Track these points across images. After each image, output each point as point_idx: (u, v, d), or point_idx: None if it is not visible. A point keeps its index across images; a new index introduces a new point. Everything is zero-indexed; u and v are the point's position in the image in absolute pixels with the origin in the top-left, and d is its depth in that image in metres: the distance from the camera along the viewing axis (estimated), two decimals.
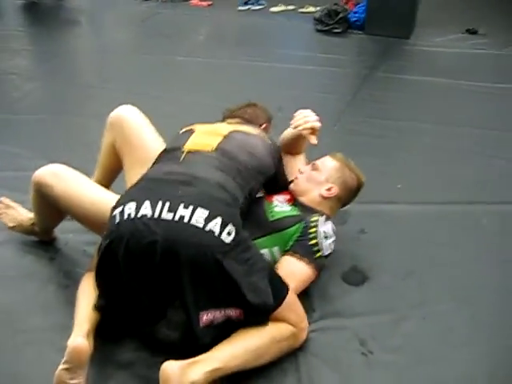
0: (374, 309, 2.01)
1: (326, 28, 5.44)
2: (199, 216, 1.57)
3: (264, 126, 2.32)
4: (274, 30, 5.71)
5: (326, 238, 1.96)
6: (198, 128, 2.05)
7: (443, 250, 2.31)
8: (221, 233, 1.57)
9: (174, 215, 1.57)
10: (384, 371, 1.76)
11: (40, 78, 4.40)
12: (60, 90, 4.07)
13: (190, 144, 1.92)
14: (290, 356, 1.77)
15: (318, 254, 1.93)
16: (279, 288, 1.72)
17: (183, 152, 1.87)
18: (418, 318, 1.97)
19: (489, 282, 2.15)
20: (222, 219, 1.59)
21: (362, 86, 4.11)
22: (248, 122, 2.24)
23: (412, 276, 2.16)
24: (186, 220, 1.56)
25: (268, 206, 2.03)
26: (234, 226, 1.61)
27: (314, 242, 1.93)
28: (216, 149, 1.88)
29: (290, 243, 1.93)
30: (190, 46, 5.08)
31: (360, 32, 5.42)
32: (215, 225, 1.57)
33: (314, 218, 1.97)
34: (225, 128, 2.05)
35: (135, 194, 1.70)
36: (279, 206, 2.05)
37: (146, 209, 1.59)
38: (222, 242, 1.57)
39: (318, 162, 2.20)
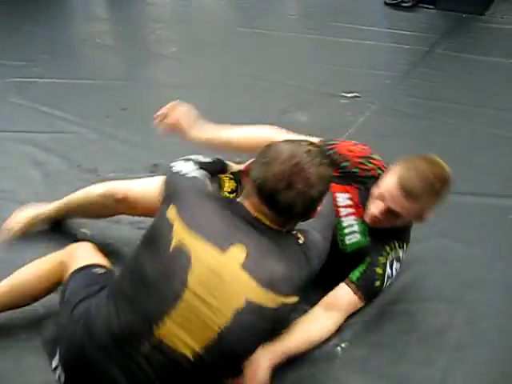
0: None
1: (395, 1, 5.24)
2: None
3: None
4: (343, 3, 5.58)
5: (389, 277, 1.82)
6: (196, 260, 1.31)
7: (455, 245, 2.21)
8: None
9: None
10: None
11: (116, 45, 4.55)
12: (136, 58, 4.17)
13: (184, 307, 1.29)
14: None
15: (377, 285, 1.80)
16: None
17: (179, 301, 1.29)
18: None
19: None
20: None
21: (419, 63, 3.95)
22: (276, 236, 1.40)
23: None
24: None
25: (338, 227, 1.82)
26: None
27: (378, 283, 1.78)
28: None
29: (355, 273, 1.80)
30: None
31: (431, 7, 5.19)
32: None
33: (382, 261, 1.79)
34: (236, 281, 1.31)
35: None
36: (348, 228, 1.83)
37: None
38: None
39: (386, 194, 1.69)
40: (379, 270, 1.77)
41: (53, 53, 4.05)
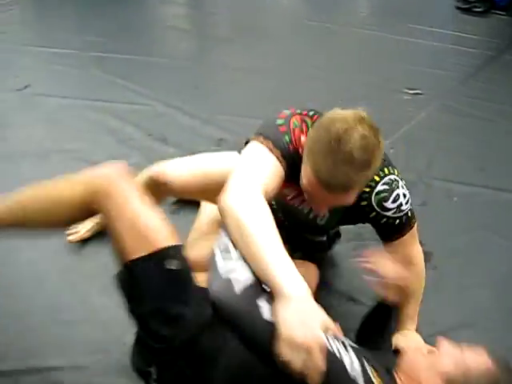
0: None
1: (467, 6, 5.24)
2: None
3: None
4: (415, 4, 5.60)
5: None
6: None
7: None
8: None
9: None
10: None
11: (189, 29, 4.78)
12: (207, 42, 4.41)
13: None
14: None
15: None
16: None
17: None
18: None
19: None
20: None
21: (483, 67, 3.97)
22: None
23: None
24: None
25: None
26: None
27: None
28: None
29: None
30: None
31: (503, 13, 5.15)
32: None
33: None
34: None
35: None
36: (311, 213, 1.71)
37: None
38: None
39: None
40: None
41: (130, 32, 4.31)
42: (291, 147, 1.48)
